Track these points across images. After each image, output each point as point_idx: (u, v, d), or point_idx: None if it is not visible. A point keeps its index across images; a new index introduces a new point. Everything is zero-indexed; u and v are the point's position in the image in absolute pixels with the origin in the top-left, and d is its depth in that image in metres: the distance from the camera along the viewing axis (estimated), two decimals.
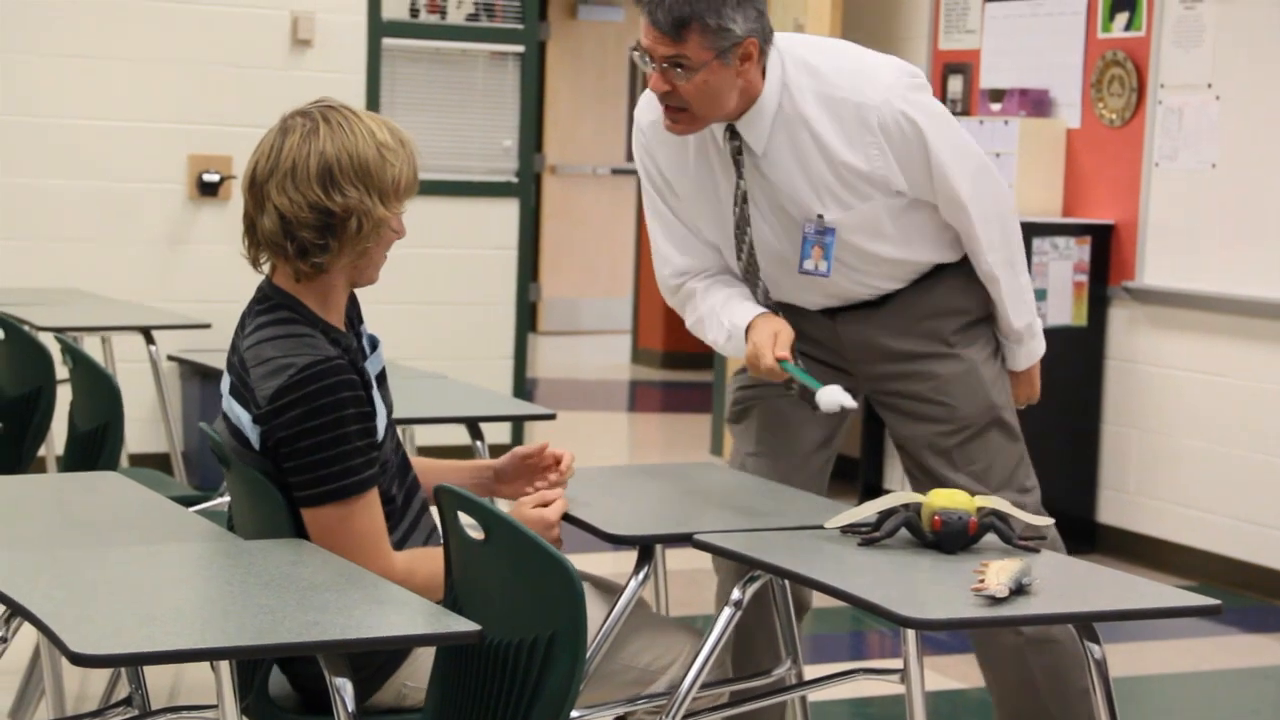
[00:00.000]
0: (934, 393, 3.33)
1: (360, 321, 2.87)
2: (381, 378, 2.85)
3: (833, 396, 3.04)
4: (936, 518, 2.66)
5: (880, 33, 7.22)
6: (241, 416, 2.69)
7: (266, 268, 2.78)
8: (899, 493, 2.76)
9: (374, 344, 2.87)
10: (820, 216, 3.20)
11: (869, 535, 2.70)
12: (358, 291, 2.86)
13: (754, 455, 3.41)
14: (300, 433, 2.62)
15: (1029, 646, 3.26)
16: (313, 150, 2.68)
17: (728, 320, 3.24)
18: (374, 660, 2.70)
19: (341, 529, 2.64)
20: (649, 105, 3.27)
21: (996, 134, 6.47)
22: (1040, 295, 6.08)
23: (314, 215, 2.67)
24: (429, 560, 2.70)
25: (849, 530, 2.74)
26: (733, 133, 3.18)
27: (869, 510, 2.74)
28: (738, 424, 3.49)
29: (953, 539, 2.65)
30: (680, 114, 3.11)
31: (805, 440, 3.41)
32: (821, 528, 2.75)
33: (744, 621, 2.90)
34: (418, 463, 2.99)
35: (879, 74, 3.19)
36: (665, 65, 3.04)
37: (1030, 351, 3.43)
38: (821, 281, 3.28)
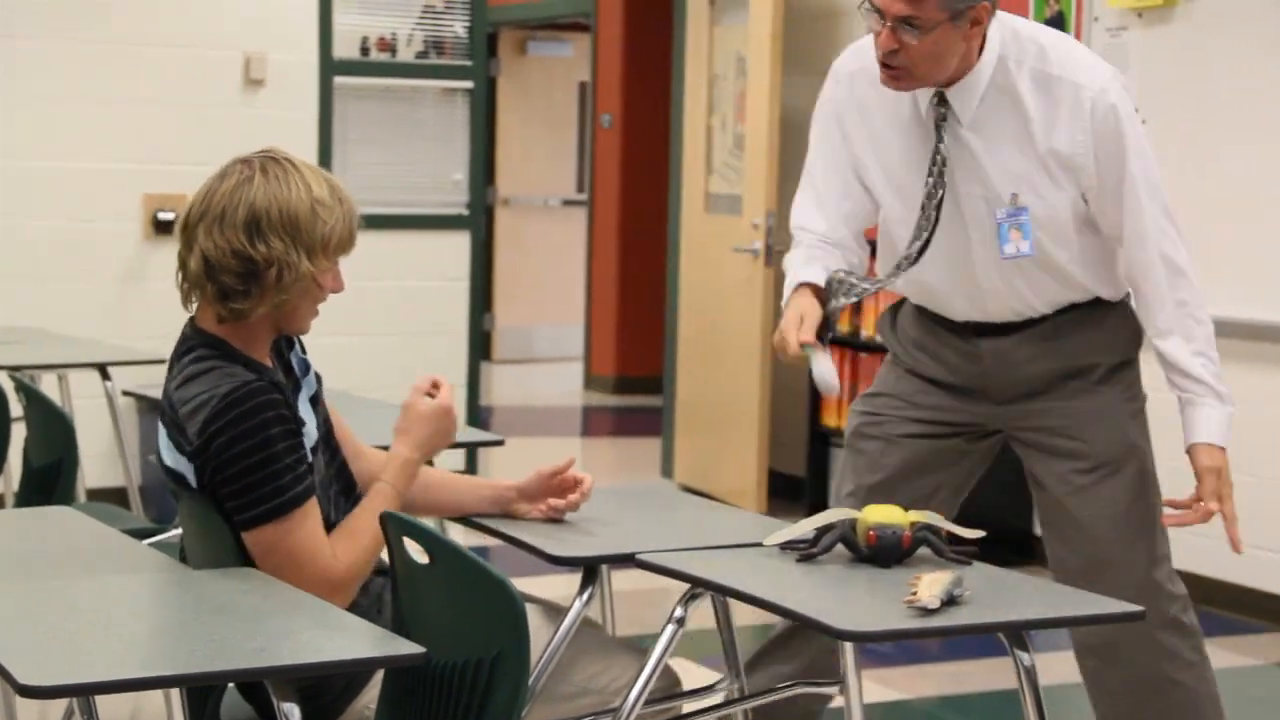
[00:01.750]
0: (1071, 429, 3.23)
1: (292, 347, 2.87)
2: (315, 400, 2.85)
3: (823, 376, 3.01)
4: (871, 532, 2.67)
5: (820, 63, 7.24)
6: (179, 460, 2.69)
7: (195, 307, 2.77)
8: (835, 509, 2.76)
9: (307, 366, 2.87)
10: (1015, 196, 3.09)
11: (806, 551, 2.70)
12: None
13: (852, 495, 3.32)
14: (230, 459, 2.61)
15: (1148, 684, 3.23)
16: (244, 198, 2.67)
17: (789, 285, 3.19)
18: (334, 685, 2.69)
19: (281, 546, 2.63)
20: (854, 55, 3.22)
21: None
22: None
23: (236, 261, 2.66)
24: (355, 537, 2.69)
25: (787, 547, 2.74)
26: (940, 99, 3.08)
27: (806, 527, 2.75)
28: (852, 450, 3.38)
29: (887, 553, 2.66)
30: (900, 71, 3.02)
31: (925, 486, 3.32)
32: (761, 545, 2.75)
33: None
34: (436, 477, 3.00)
35: (1098, 65, 3.10)
36: (897, 24, 2.95)
37: (1222, 420, 3.13)
38: (979, 283, 3.17)
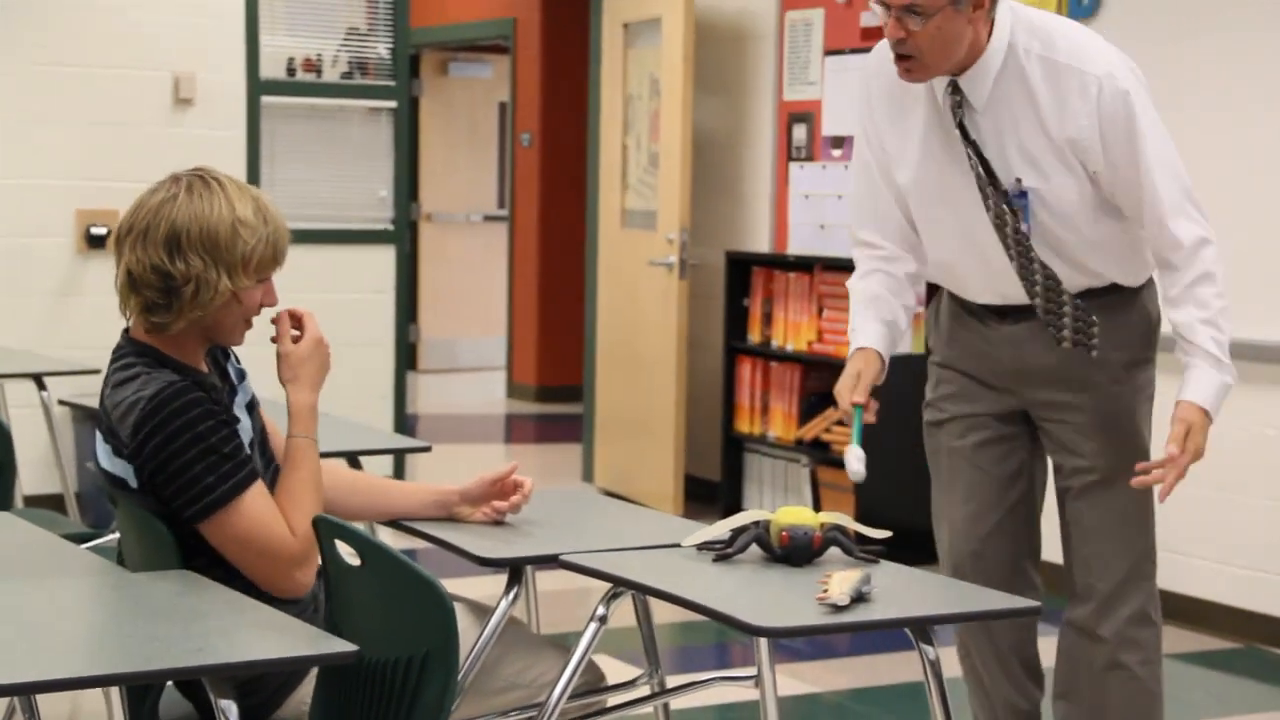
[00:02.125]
0: (1083, 428, 3.22)
1: (227, 357, 2.86)
2: (251, 406, 2.85)
3: (851, 461, 3.07)
4: (784, 533, 2.70)
5: (730, 84, 7.30)
6: (117, 462, 2.68)
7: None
8: (750, 511, 2.79)
9: (242, 375, 2.87)
10: (1019, 180, 3.08)
11: (722, 551, 2.73)
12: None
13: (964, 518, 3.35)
14: (167, 458, 2.61)
15: (1110, 671, 3.24)
16: (166, 215, 2.66)
17: (852, 333, 3.26)
18: (270, 682, 2.68)
19: (237, 531, 2.62)
20: (878, 55, 3.19)
21: (838, 178, 6.56)
22: None
23: (156, 277, 2.66)
24: (296, 501, 2.67)
25: (704, 547, 2.77)
26: (954, 87, 3.08)
27: (722, 528, 2.77)
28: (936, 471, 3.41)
29: (799, 552, 2.69)
30: (911, 62, 3.03)
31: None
32: (679, 546, 2.77)
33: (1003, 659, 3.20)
34: (379, 483, 3.00)
35: (1106, 52, 3.07)
36: (900, 12, 2.96)
37: (1212, 384, 3.05)
38: (991, 263, 3.16)
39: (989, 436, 3.31)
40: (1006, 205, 3.09)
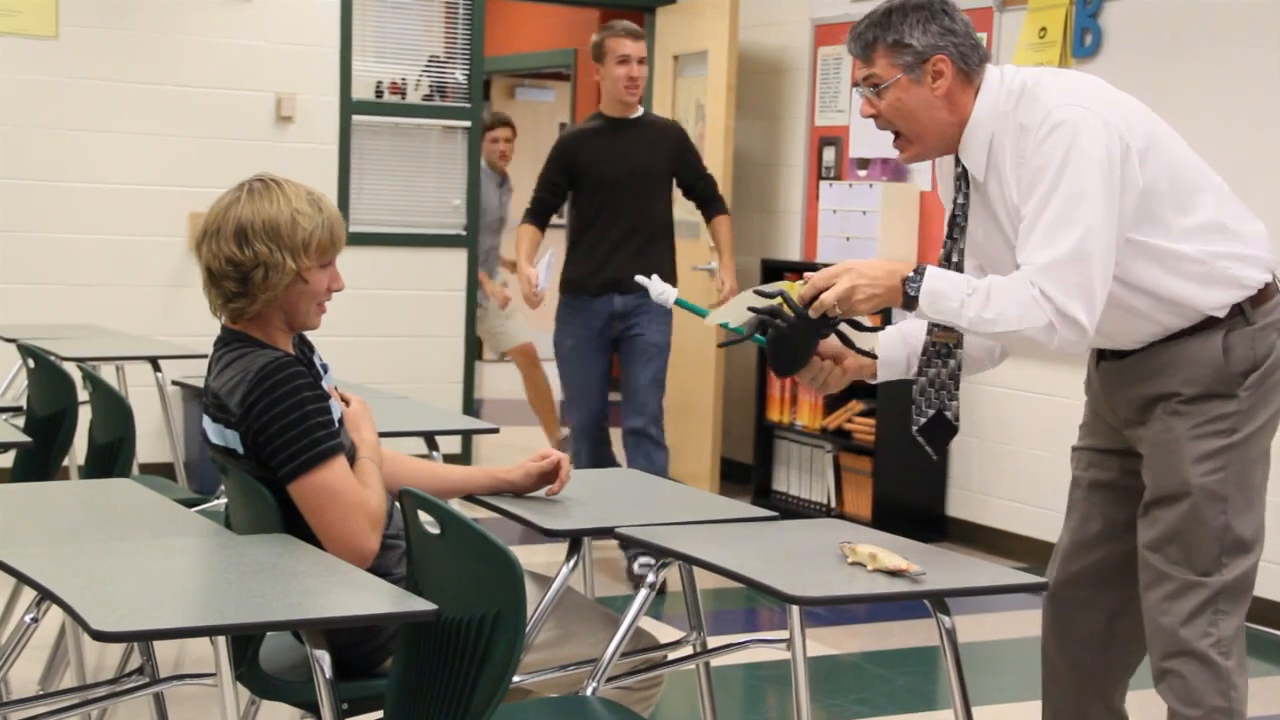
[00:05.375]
0: (1146, 458, 2.80)
1: (312, 351, 2.88)
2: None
3: (655, 284, 2.90)
4: (803, 294, 2.63)
5: (768, 110, 7.27)
6: (225, 433, 2.68)
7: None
8: (756, 288, 2.71)
9: (325, 369, 2.89)
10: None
11: (740, 339, 2.69)
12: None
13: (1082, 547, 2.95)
14: (268, 421, 2.62)
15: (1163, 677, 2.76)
16: (233, 215, 2.71)
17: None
18: (382, 633, 2.69)
19: (323, 493, 2.62)
20: None
21: (863, 196, 6.53)
22: None
23: (230, 267, 2.70)
24: (367, 481, 2.69)
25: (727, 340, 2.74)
26: (957, 159, 2.77)
27: (740, 308, 2.70)
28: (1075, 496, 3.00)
29: (821, 321, 2.63)
30: (899, 140, 2.76)
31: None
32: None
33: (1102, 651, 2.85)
34: (440, 469, 3.01)
35: (1063, 95, 2.62)
36: (865, 89, 2.74)
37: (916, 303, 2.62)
38: None
39: (1108, 479, 2.92)
40: None
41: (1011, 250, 2.69)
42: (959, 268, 2.77)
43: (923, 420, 2.83)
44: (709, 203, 5.76)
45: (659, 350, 5.58)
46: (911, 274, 2.63)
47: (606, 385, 5.63)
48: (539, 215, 5.72)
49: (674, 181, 5.68)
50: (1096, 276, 2.57)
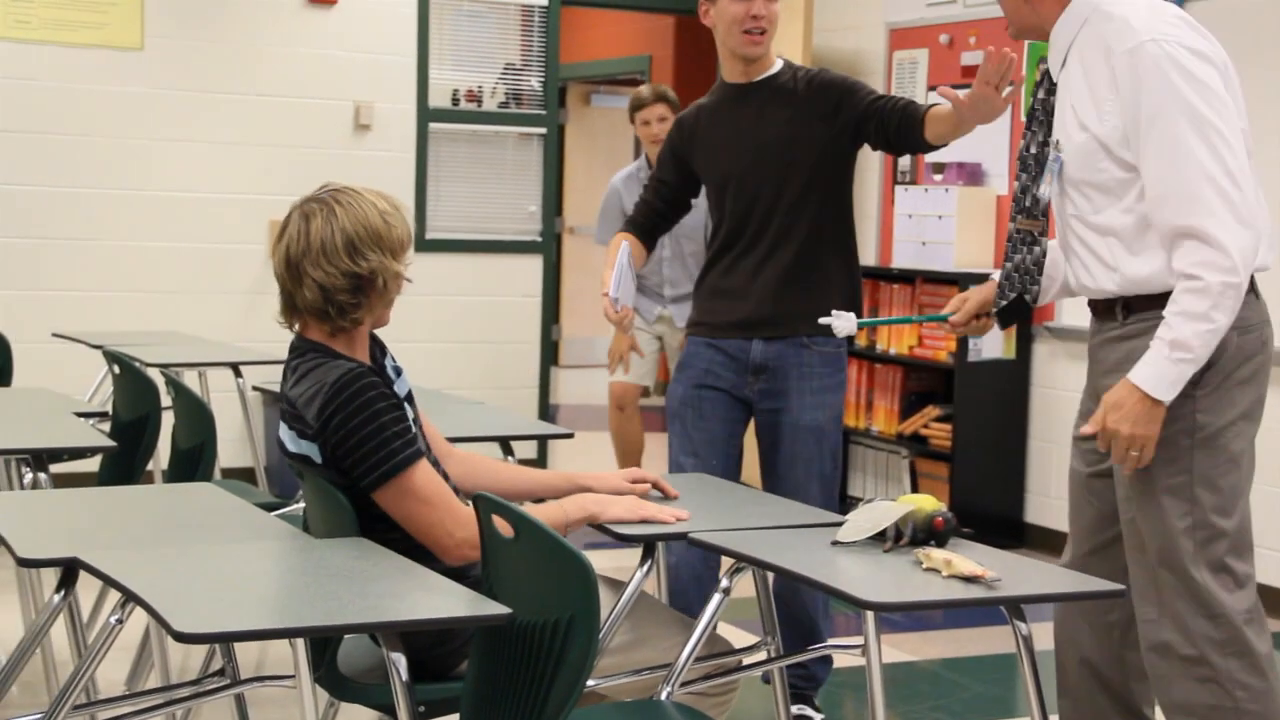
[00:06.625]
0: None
1: (385, 354, 2.90)
2: (409, 399, 2.87)
3: (837, 319, 3.12)
4: (938, 519, 2.62)
5: None
6: (302, 444, 2.71)
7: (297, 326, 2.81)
8: (875, 502, 2.69)
9: (399, 371, 2.90)
10: (1058, 141, 2.85)
11: (894, 545, 2.60)
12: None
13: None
14: (347, 434, 2.64)
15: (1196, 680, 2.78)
16: (335, 229, 2.71)
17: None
18: (459, 636, 2.70)
19: (410, 498, 2.65)
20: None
21: (939, 200, 6.49)
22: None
23: (347, 281, 2.71)
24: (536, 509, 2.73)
25: (858, 541, 2.64)
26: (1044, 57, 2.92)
27: (865, 523, 2.66)
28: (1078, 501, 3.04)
29: (942, 536, 2.63)
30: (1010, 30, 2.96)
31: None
32: (834, 543, 2.64)
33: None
34: (533, 474, 3.03)
35: (1148, 20, 2.74)
36: None
37: (1149, 361, 2.70)
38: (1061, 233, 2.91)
39: (1104, 469, 2.94)
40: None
41: (1080, 136, 2.80)
42: (1036, 159, 2.91)
43: (1003, 303, 3.00)
44: (907, 113, 3.61)
45: (818, 435, 3.91)
46: (1145, 392, 2.70)
47: (734, 460, 3.91)
48: (637, 222, 3.94)
49: (848, 152, 3.78)
50: (1219, 198, 2.67)
